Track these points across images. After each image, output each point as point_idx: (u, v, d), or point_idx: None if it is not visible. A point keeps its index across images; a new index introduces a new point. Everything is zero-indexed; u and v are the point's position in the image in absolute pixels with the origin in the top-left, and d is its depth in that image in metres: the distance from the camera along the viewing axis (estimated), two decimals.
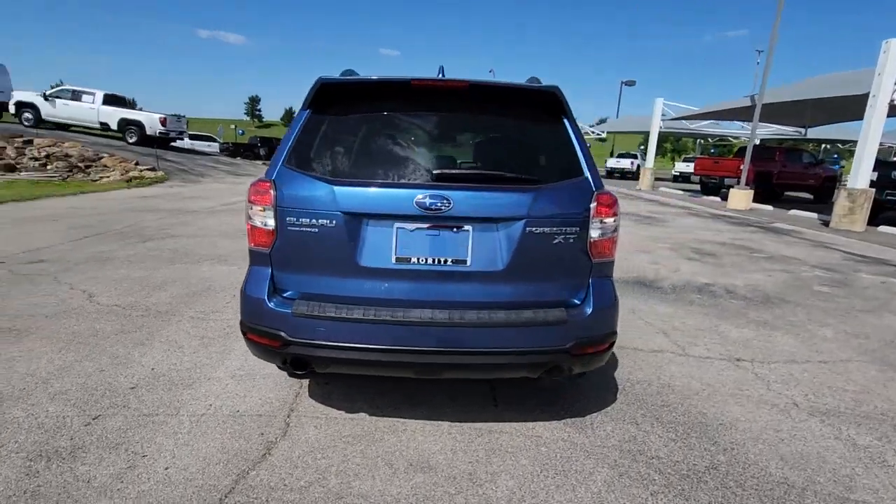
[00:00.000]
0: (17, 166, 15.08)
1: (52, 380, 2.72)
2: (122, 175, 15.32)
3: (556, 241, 2.09)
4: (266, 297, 2.10)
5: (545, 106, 2.25)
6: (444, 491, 1.99)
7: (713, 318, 4.28)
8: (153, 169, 16.38)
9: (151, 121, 19.49)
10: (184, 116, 21.91)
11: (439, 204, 2.02)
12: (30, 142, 16.83)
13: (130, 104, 22.76)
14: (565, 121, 2.28)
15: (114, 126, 19.34)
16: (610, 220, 2.19)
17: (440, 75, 2.56)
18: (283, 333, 2.07)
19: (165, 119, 19.85)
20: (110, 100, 19.79)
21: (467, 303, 2.10)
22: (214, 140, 29.93)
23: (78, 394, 2.60)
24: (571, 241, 2.11)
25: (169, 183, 15.27)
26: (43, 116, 19.21)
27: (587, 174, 2.21)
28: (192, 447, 2.21)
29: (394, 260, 2.06)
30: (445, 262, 2.07)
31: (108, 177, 15.08)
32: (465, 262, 2.07)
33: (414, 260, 2.07)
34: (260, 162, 27.67)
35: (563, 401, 2.72)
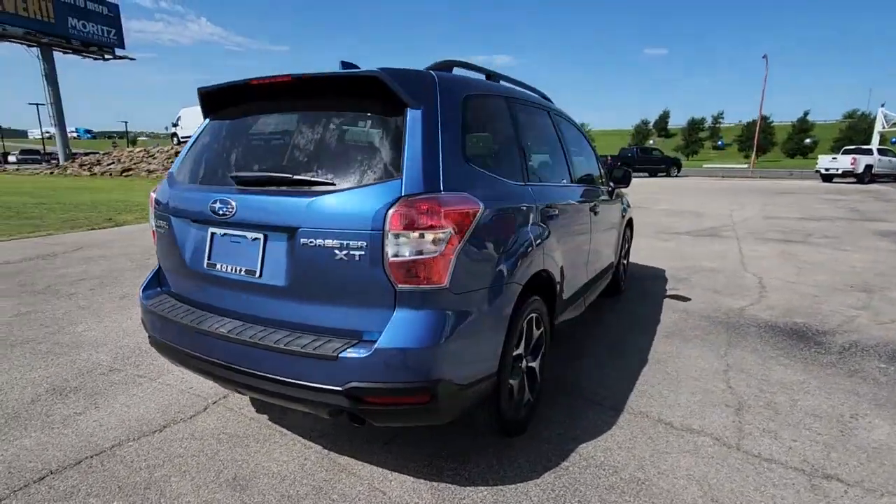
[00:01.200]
0: None
1: None
2: None
3: (339, 257, 1.67)
4: (141, 290, 2.31)
5: (378, 96, 1.81)
6: None
7: None
8: None
9: None
10: None
11: (225, 209, 1.86)
12: None
13: None
14: (408, 112, 1.78)
15: None
16: (416, 236, 1.63)
17: None
18: (146, 324, 2.24)
19: None
20: None
21: (256, 318, 1.88)
22: None
23: None
24: (358, 259, 1.65)
25: None
26: None
27: (405, 175, 1.69)
28: (145, 402, 2.64)
29: (205, 265, 2.00)
30: (240, 271, 1.89)
31: None
32: (255, 272, 1.85)
33: (219, 266, 1.96)
34: None
35: None
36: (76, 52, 37.77)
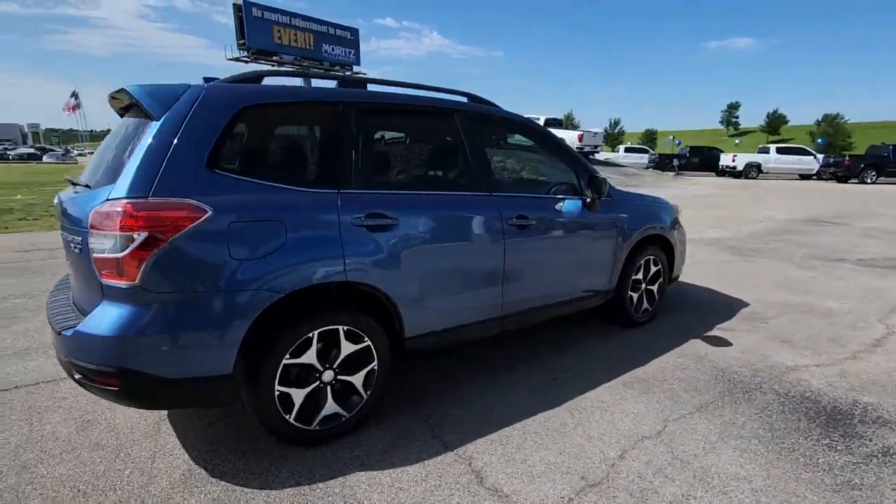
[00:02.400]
0: None
1: None
2: None
3: (75, 249, 1.95)
4: None
5: (141, 109, 2.01)
6: None
7: None
8: None
9: (570, 138, 22.24)
10: (601, 131, 23.72)
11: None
12: None
13: (567, 124, 26.55)
14: (150, 123, 1.95)
15: None
16: (106, 235, 1.78)
17: None
18: None
19: (582, 136, 22.16)
20: (549, 123, 23.82)
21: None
22: (647, 152, 30.41)
23: None
24: (81, 251, 1.90)
25: None
26: None
27: (119, 180, 1.85)
28: None
29: None
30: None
31: None
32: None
33: None
34: (672, 174, 26.23)
35: None
36: (326, 71, 46.59)
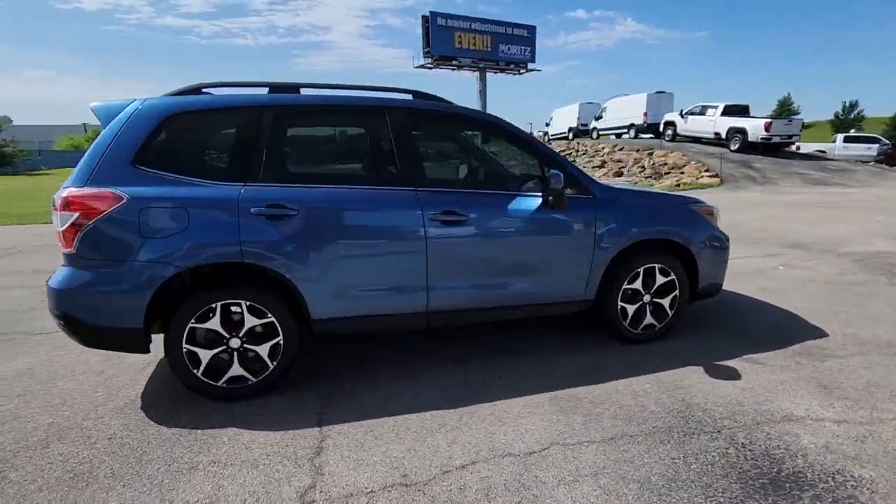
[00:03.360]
0: (624, 172, 19.53)
1: None
2: (689, 178, 16.61)
3: None
4: None
5: None
6: None
7: None
8: (716, 175, 16.48)
9: (755, 127, 18.97)
10: (793, 119, 19.60)
11: None
12: (651, 153, 20.83)
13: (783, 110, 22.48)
14: None
15: (723, 135, 20.25)
16: (56, 214, 2.41)
17: None
18: None
19: (770, 124, 18.69)
20: (729, 111, 20.64)
21: None
22: (877, 141, 23.62)
23: None
24: None
25: (716, 188, 15.14)
26: (678, 131, 22.71)
27: (73, 174, 2.48)
28: None
29: None
30: None
31: (674, 181, 16.73)
32: None
33: None
34: None
35: None
36: (501, 70, 47.71)
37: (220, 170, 2.71)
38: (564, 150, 24.11)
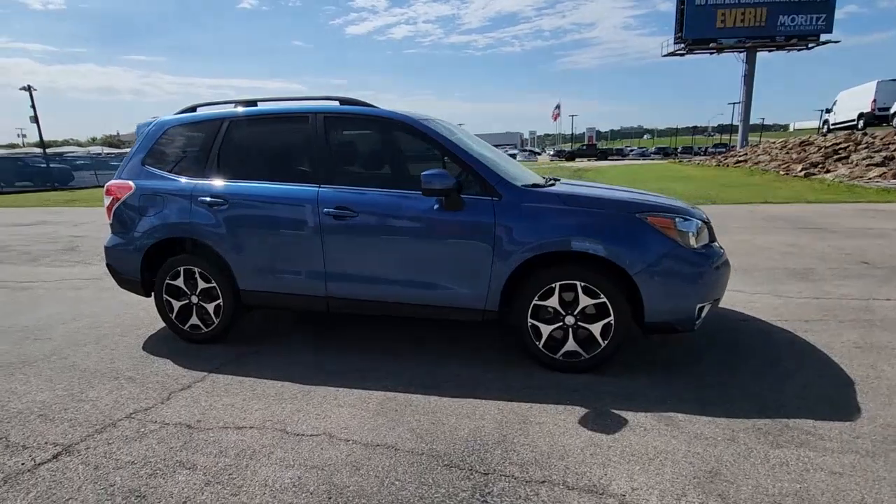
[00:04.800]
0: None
1: None
2: None
3: None
4: None
5: None
6: None
7: None
8: None
9: None
10: None
11: None
12: None
13: None
14: None
15: None
16: (105, 198, 3.60)
17: None
18: None
19: None
20: None
21: None
22: None
23: None
24: None
25: None
26: None
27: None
28: None
29: None
30: None
31: None
32: None
33: None
34: None
35: None
36: (778, 47, 39.20)
37: (188, 168, 3.55)
38: (835, 144, 18.64)
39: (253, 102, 3.52)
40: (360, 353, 3.31)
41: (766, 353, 3.11)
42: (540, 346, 2.90)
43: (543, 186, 3.13)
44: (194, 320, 3.49)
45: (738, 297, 4.20)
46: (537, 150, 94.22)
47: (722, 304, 3.89)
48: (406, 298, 3.07)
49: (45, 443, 2.34)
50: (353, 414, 2.53)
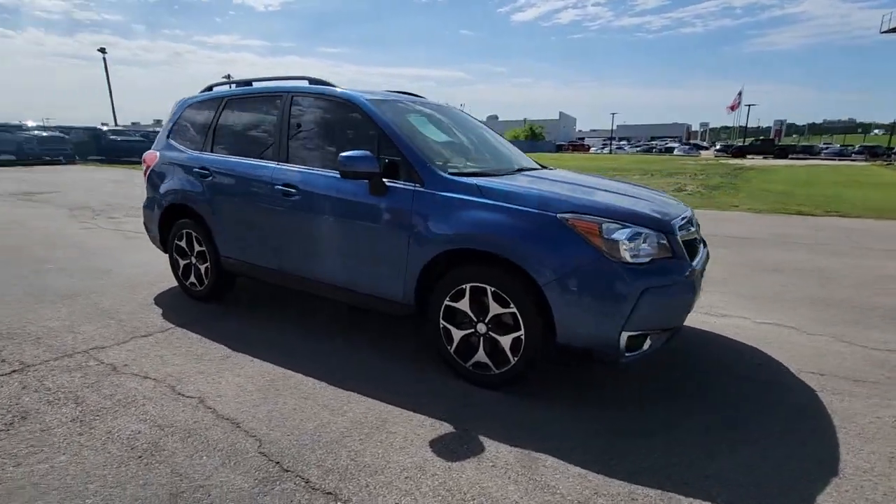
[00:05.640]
0: None
1: None
2: None
3: None
4: None
5: None
6: None
7: None
8: None
9: None
10: None
11: None
12: None
13: None
14: None
15: None
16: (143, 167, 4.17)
17: None
18: None
19: None
20: None
21: None
22: None
23: None
24: None
25: None
26: None
27: None
28: None
29: None
30: None
31: None
32: None
33: None
34: None
35: None
36: None
37: (194, 142, 3.88)
38: None
39: (248, 82, 3.74)
40: (304, 330, 3.36)
41: (762, 417, 2.39)
42: (451, 350, 2.63)
43: (485, 175, 2.78)
44: (192, 279, 3.89)
45: (788, 334, 3.29)
46: (705, 144, 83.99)
47: (753, 341, 3.12)
48: (339, 282, 3.03)
49: (16, 360, 2.84)
50: (240, 385, 2.59)
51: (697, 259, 2.56)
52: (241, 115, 3.65)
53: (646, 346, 2.30)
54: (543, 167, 3.65)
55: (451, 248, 2.51)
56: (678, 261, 2.37)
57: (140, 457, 1.99)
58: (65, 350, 2.98)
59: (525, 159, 3.64)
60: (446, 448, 2.07)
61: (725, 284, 4.45)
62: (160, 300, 3.92)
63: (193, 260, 3.84)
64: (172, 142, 4.01)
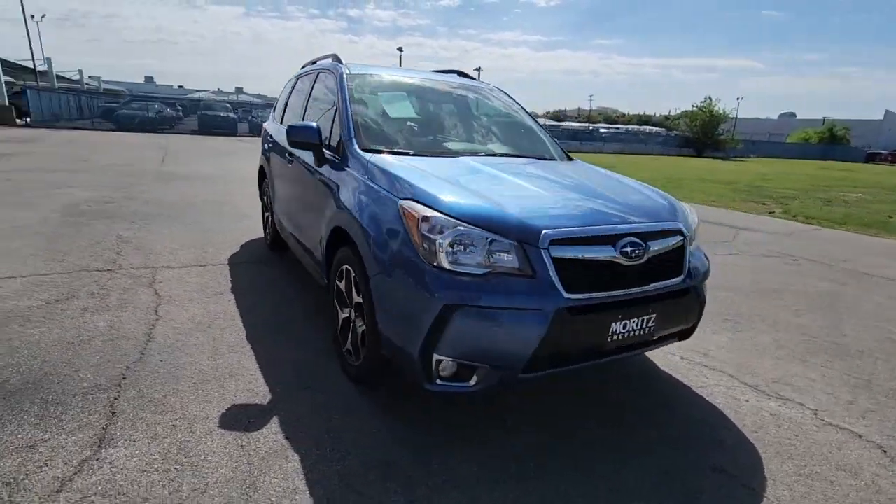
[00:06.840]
0: None
1: None
2: None
3: None
4: None
5: None
6: None
7: None
8: None
9: None
10: None
11: None
12: None
13: None
14: None
15: None
16: None
17: None
18: None
19: None
20: None
21: None
22: None
23: None
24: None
25: None
26: None
27: None
28: None
29: None
30: None
31: None
32: None
33: None
34: None
35: None
36: None
37: (281, 114, 4.25)
38: None
39: (314, 62, 4.07)
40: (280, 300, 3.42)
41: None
42: (337, 330, 2.49)
43: (417, 155, 2.50)
44: (268, 230, 4.56)
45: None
46: None
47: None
48: (306, 244, 3.09)
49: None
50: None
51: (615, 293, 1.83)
52: (300, 91, 3.92)
53: (472, 381, 1.78)
54: (570, 158, 3.14)
55: (335, 224, 2.39)
56: (536, 283, 1.75)
57: None
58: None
59: (553, 149, 3.23)
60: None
61: None
62: (244, 241, 4.72)
63: (267, 215, 4.50)
64: (273, 113, 4.69)
